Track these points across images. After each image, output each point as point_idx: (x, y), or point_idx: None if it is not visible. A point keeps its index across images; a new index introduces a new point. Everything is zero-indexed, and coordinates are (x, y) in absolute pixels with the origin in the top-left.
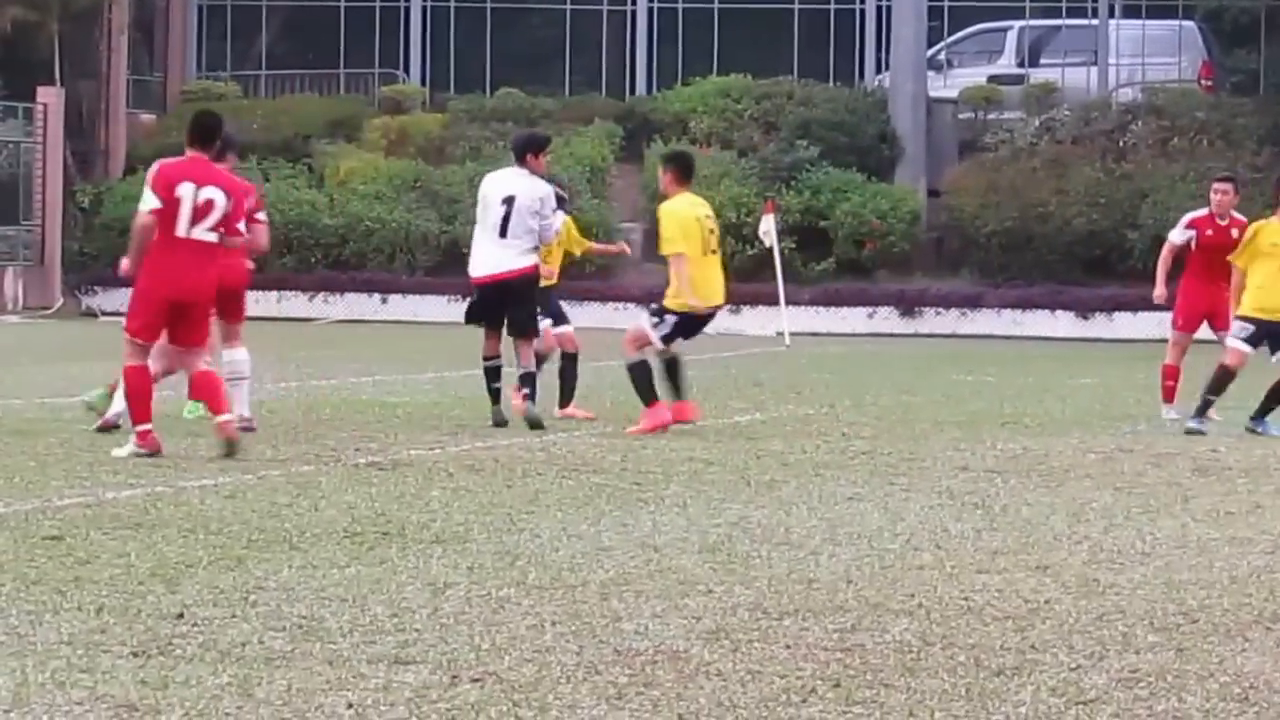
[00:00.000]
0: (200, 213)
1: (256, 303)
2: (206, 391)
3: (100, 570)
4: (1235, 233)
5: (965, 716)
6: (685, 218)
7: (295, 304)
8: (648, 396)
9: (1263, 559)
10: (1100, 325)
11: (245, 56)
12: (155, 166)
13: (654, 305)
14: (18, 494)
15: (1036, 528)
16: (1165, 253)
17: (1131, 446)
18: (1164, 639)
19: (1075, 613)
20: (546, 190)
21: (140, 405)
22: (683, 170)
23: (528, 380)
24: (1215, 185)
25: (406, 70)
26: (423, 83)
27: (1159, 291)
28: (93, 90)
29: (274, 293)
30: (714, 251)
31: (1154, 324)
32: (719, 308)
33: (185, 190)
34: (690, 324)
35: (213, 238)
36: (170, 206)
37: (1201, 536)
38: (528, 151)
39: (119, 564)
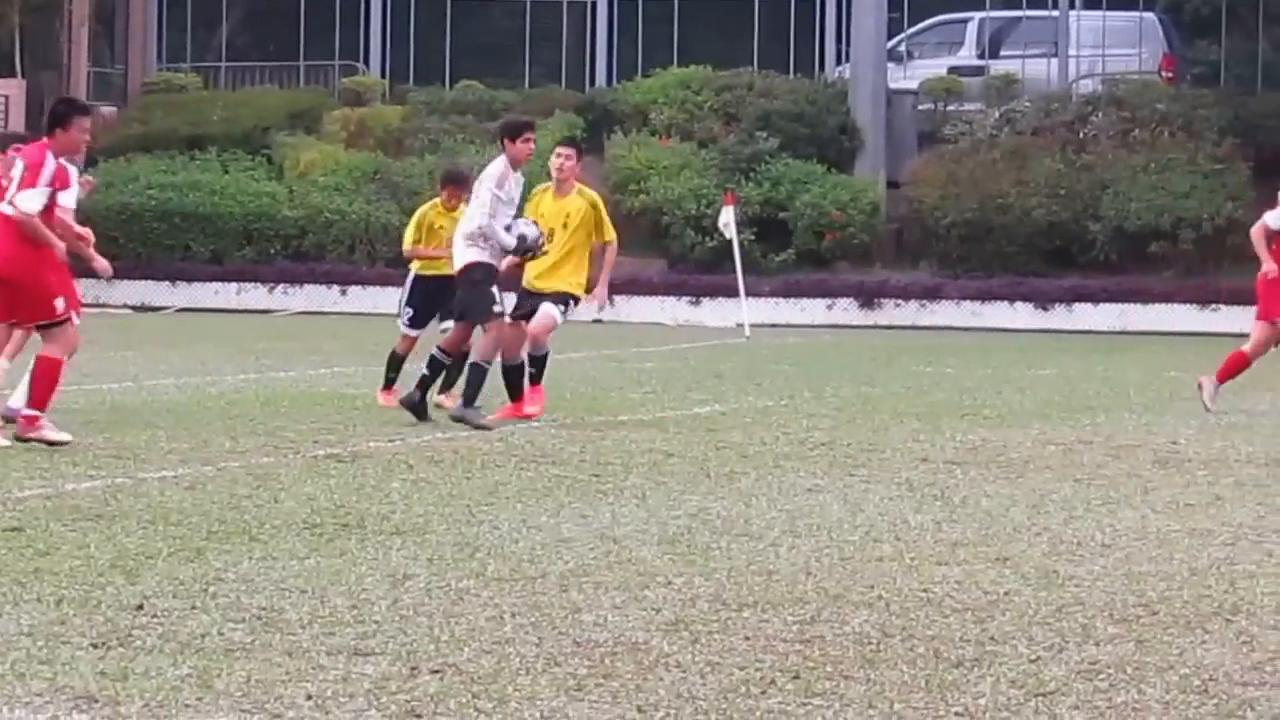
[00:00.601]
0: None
1: (215, 294)
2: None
3: (60, 562)
4: None
5: (925, 708)
6: None
7: (255, 296)
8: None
9: (1223, 551)
10: (1060, 316)
11: (206, 48)
12: None
13: (561, 294)
14: None
15: (996, 519)
16: (1260, 234)
17: (1091, 438)
18: (1124, 631)
19: (1035, 604)
20: (491, 171)
21: None
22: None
23: (470, 372)
24: None
25: (366, 62)
26: (383, 75)
27: (1269, 266)
28: (54, 82)
29: (233, 284)
30: None
31: (1114, 315)
32: None
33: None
34: None
35: (9, 210)
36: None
37: (1161, 528)
38: (503, 138)
39: (79, 555)
